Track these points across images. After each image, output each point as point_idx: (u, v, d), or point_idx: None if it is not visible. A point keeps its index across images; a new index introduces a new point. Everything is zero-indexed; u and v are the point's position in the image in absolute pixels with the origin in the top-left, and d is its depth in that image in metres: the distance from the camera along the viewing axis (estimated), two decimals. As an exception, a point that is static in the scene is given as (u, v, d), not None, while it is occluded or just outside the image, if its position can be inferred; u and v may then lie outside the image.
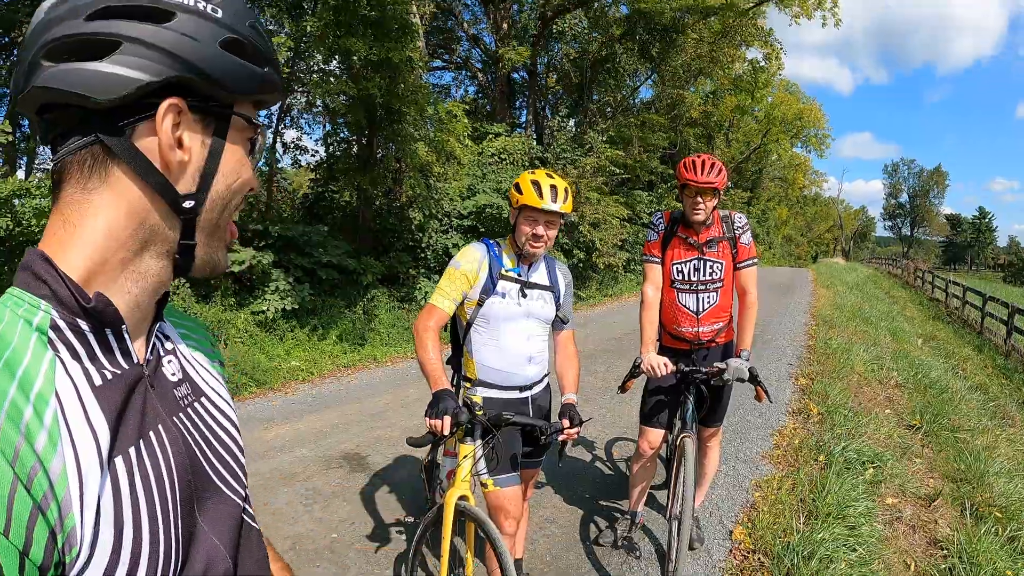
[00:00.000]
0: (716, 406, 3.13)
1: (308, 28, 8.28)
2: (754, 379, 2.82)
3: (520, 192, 2.29)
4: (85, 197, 0.59)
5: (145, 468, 0.59)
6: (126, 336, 0.61)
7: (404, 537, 3.40)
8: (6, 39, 8.12)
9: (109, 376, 0.58)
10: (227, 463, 0.72)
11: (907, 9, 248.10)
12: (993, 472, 4.58)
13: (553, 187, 2.27)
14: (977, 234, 79.75)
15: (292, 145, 11.50)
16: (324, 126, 11.71)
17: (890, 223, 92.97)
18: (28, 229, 5.87)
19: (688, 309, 3.04)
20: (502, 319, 2.35)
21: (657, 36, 17.66)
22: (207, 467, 0.68)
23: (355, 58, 8.30)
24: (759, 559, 3.24)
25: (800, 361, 8.20)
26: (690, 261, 3.00)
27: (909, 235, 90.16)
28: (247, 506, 0.74)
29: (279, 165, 11.34)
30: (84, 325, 0.58)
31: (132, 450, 0.58)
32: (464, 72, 22.18)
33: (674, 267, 3.03)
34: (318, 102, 10.52)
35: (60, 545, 0.50)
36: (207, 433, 0.71)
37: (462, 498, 2.18)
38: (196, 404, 0.72)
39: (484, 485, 2.33)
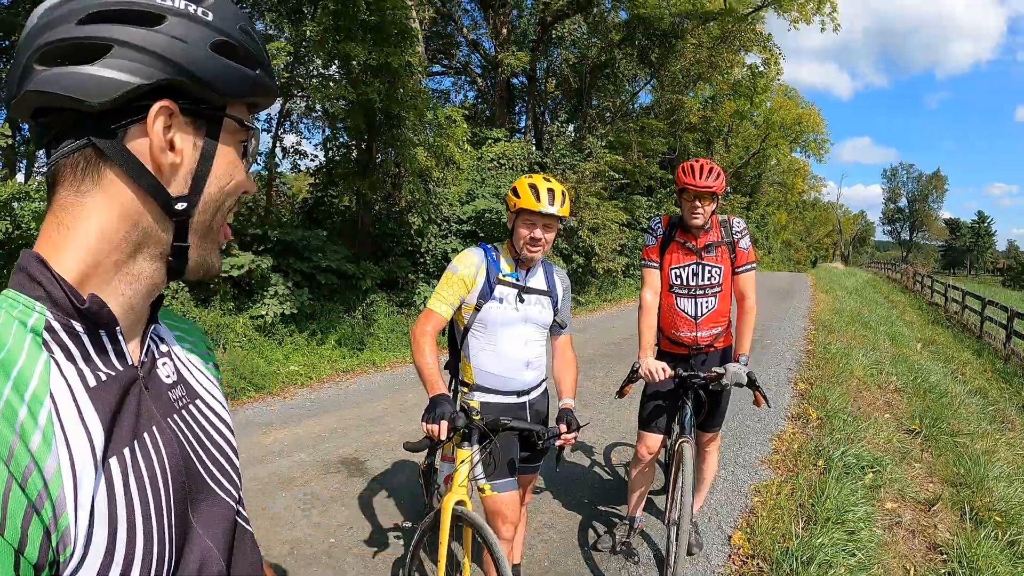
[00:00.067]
0: (715, 411, 3.13)
1: (308, 33, 8.31)
2: (752, 384, 2.82)
3: (517, 196, 2.30)
4: (78, 200, 0.60)
5: (139, 469, 0.59)
6: (120, 338, 0.62)
7: (402, 542, 3.39)
8: (6, 42, 8.14)
9: (103, 377, 0.59)
10: (221, 465, 0.73)
11: (906, 13, 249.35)
12: (993, 476, 4.57)
13: (550, 190, 2.27)
14: (976, 238, 79.92)
15: (291, 150, 11.50)
16: (323, 131, 11.75)
17: (889, 228, 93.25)
18: (27, 232, 5.88)
19: (686, 314, 3.04)
20: (499, 324, 2.34)
21: (656, 41, 17.73)
22: (201, 469, 0.69)
23: (354, 63, 8.32)
24: (758, 564, 3.23)
25: (799, 366, 8.20)
26: (688, 266, 3.01)
27: (908, 239, 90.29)
28: (240, 508, 0.74)
29: (278, 170, 11.36)
30: (78, 326, 0.58)
31: (126, 451, 0.58)
32: (463, 77, 22.27)
33: (672, 272, 3.03)
34: (317, 107, 10.54)
35: (54, 544, 0.51)
36: (201, 435, 0.71)
37: (459, 503, 2.17)
38: (191, 406, 0.72)
39: (481, 490, 2.32)
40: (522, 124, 19.98)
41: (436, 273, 11.07)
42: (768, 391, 5.46)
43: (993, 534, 3.66)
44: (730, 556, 3.34)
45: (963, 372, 9.71)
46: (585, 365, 7.28)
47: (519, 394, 2.44)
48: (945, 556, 3.51)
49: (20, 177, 7.85)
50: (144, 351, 0.66)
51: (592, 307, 15.13)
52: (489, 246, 2.44)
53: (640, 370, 2.87)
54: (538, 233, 2.30)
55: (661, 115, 21.99)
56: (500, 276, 2.36)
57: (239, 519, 0.73)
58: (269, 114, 11.30)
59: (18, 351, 0.54)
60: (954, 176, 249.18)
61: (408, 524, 3.58)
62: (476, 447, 2.20)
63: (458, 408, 2.24)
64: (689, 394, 2.95)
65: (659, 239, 3.06)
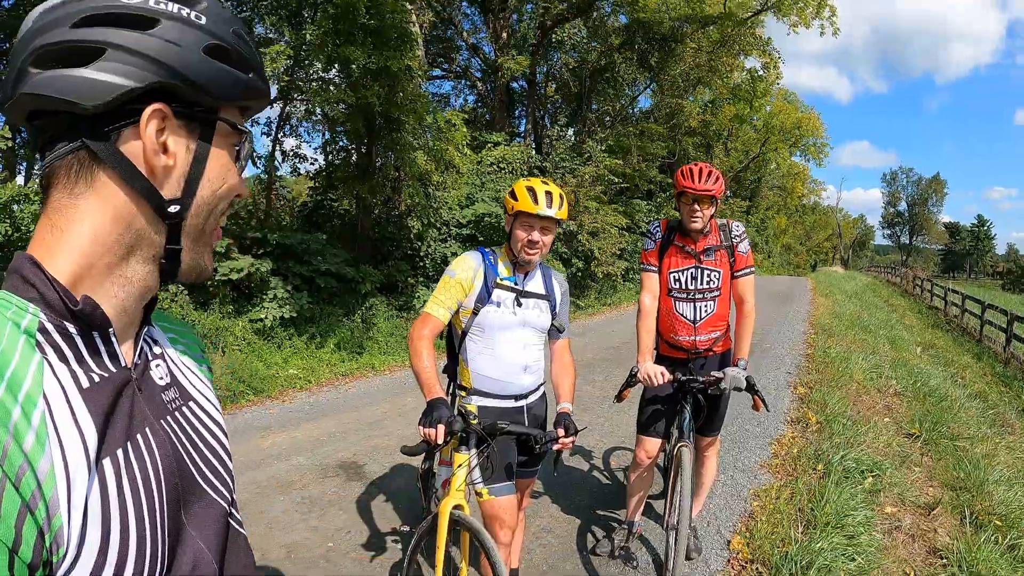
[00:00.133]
0: (713, 415, 3.12)
1: (307, 36, 8.33)
2: (751, 388, 2.81)
3: (515, 198, 2.30)
4: (72, 202, 0.60)
5: (132, 470, 0.59)
6: (113, 339, 0.62)
7: (400, 546, 3.38)
8: (7, 45, 8.16)
9: (96, 379, 0.59)
10: (213, 467, 0.73)
11: (906, 17, 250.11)
12: (993, 480, 4.56)
13: (548, 193, 2.28)
14: (976, 242, 79.91)
15: (291, 153, 11.49)
16: (323, 134, 11.74)
17: (889, 231, 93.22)
18: (27, 235, 5.89)
19: (685, 318, 3.04)
20: (497, 328, 2.34)
21: (656, 45, 17.79)
22: (194, 470, 0.69)
23: (354, 67, 8.34)
24: (757, 569, 3.23)
25: (798, 370, 8.19)
26: (687, 270, 3.00)
27: (908, 243, 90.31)
28: (233, 510, 0.75)
29: (278, 173, 11.35)
30: (72, 328, 0.59)
31: (120, 452, 0.59)
32: (463, 81, 22.32)
33: (671, 276, 3.03)
34: (317, 110, 10.57)
35: (48, 544, 0.51)
36: (194, 437, 0.72)
37: (457, 507, 2.17)
38: (184, 408, 0.72)
39: (479, 494, 2.32)
40: (522, 128, 20.03)
41: (435, 277, 11.07)
42: (767, 395, 5.45)
43: (993, 538, 3.65)
44: (729, 561, 3.33)
45: (963, 376, 9.71)
46: (584, 369, 7.28)
47: (517, 398, 2.43)
48: (945, 560, 3.50)
49: (20, 180, 7.86)
50: (137, 353, 0.67)
51: (591, 311, 15.13)
52: (487, 250, 2.44)
53: (639, 374, 2.86)
54: (536, 236, 2.30)
55: (661, 119, 22.04)
56: (498, 280, 2.36)
57: (232, 521, 0.73)
58: (269, 117, 11.33)
59: (11, 352, 0.54)
60: (954, 180, 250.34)
61: (406, 528, 3.57)
62: (474, 451, 2.19)
63: (456, 412, 2.24)
64: (688, 398, 2.94)
65: (658, 243, 3.06)
